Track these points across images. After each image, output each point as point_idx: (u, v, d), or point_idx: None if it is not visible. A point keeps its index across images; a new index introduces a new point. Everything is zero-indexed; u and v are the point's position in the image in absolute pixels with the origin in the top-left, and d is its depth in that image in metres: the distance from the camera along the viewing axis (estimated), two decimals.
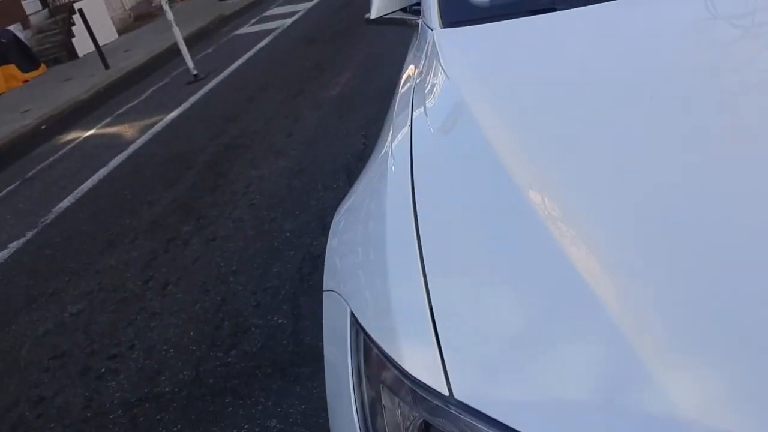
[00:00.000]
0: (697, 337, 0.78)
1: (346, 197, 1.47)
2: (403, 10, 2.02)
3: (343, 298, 1.13)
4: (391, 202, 1.21)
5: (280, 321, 3.06)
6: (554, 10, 1.56)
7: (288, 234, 3.85)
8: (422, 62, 1.68)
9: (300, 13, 11.78)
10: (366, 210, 1.31)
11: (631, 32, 1.43)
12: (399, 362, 0.92)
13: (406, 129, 1.40)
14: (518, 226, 1.01)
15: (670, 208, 0.95)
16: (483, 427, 0.82)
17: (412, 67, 1.78)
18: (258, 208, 4.35)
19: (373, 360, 1.00)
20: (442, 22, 1.71)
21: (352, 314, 1.08)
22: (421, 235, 1.06)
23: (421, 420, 0.91)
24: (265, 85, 7.58)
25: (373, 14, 1.99)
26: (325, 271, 1.31)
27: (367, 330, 1.02)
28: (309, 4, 12.34)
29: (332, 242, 1.36)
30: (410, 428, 0.92)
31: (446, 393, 0.86)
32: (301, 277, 3.37)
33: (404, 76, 1.82)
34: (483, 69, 1.47)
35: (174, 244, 4.26)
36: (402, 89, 1.73)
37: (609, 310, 0.84)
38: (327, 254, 1.34)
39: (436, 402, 0.87)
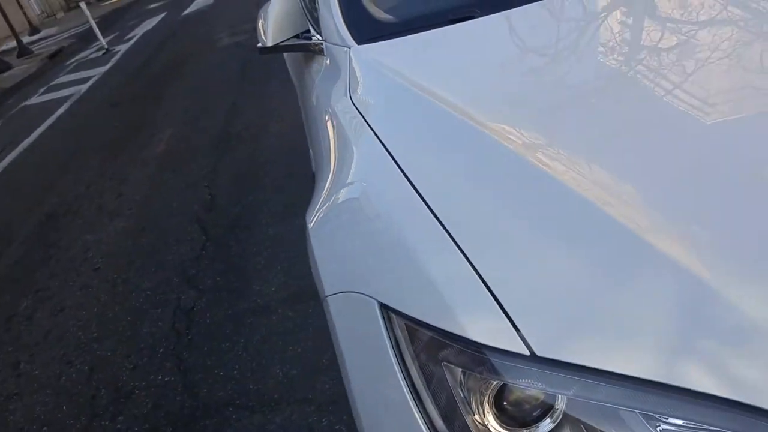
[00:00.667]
0: (750, 254, 0.88)
1: (312, 212, 1.45)
2: (296, 36, 2.04)
3: (365, 295, 1.12)
4: (390, 195, 1.21)
5: (166, 379, 2.88)
6: (472, 17, 1.66)
7: (149, 292, 3.64)
8: (341, 82, 1.69)
9: (95, 78, 11.28)
10: (354, 212, 1.30)
11: (550, 35, 1.56)
12: (468, 336, 0.93)
13: (361, 138, 1.41)
14: (530, 185, 1.07)
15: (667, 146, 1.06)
16: (572, 377, 0.86)
17: (327, 88, 1.79)
18: (105, 271, 4.08)
19: (424, 344, 1.00)
20: (357, 39, 1.75)
21: (383, 306, 1.06)
22: (438, 216, 1.08)
23: (499, 385, 0.92)
24: (76, 151, 7.15)
25: (269, 41, 1.98)
26: (321, 279, 1.28)
27: (415, 316, 1.01)
28: (102, 69, 11.86)
29: (320, 252, 1.33)
30: (488, 397, 0.94)
31: (527, 353, 0.88)
32: (178, 332, 3.20)
33: (319, 99, 1.82)
34: (416, 77, 1.51)
35: (15, 321, 3.88)
36: (324, 111, 1.72)
37: (658, 245, 0.91)
38: (318, 263, 1.31)
39: (519, 364, 0.89)
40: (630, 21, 1.60)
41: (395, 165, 1.26)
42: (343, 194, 1.36)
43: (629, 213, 0.97)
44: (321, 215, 1.41)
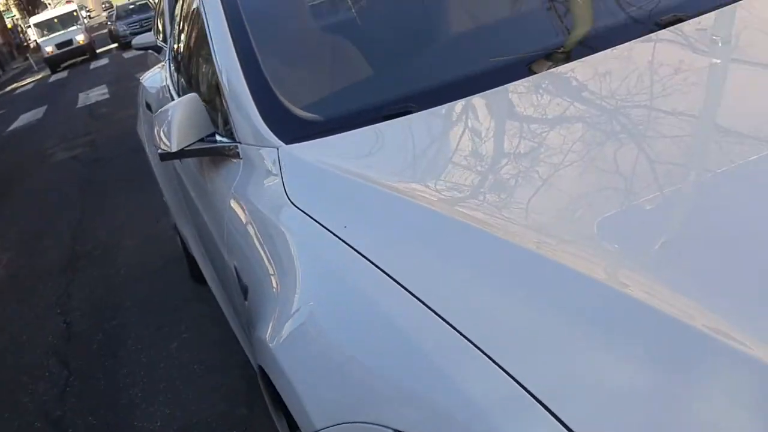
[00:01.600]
0: None
1: (273, 329, 1.25)
2: (201, 140, 1.85)
3: (377, 425, 0.93)
4: (385, 303, 1.05)
5: None
6: (409, 112, 1.56)
7: None
8: (272, 186, 1.53)
9: None
10: (340, 325, 1.14)
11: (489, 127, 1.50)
12: None
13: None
14: (541, 276, 1.00)
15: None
16: None
17: (252, 194, 1.61)
18: None
19: None
20: (284, 139, 1.60)
21: None
22: (452, 323, 0.94)
23: None
24: None
25: (174, 146, 1.78)
26: (305, 409, 1.07)
27: None
28: None
29: (300, 375, 1.12)
30: None
31: None
32: None
33: (243, 206, 1.64)
34: (373, 173, 1.40)
35: None
36: (254, 218, 1.55)
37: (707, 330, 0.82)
38: (299, 390, 1.10)
39: None
40: (561, 106, 1.57)
41: (376, 268, 1.13)
42: (319, 305, 1.20)
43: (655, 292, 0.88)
44: (290, 331, 1.21)
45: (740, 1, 1.72)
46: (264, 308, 1.36)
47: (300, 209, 1.40)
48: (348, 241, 1.22)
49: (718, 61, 1.60)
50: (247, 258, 1.55)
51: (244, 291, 1.53)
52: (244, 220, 1.61)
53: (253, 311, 1.44)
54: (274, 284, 1.37)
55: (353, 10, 2.02)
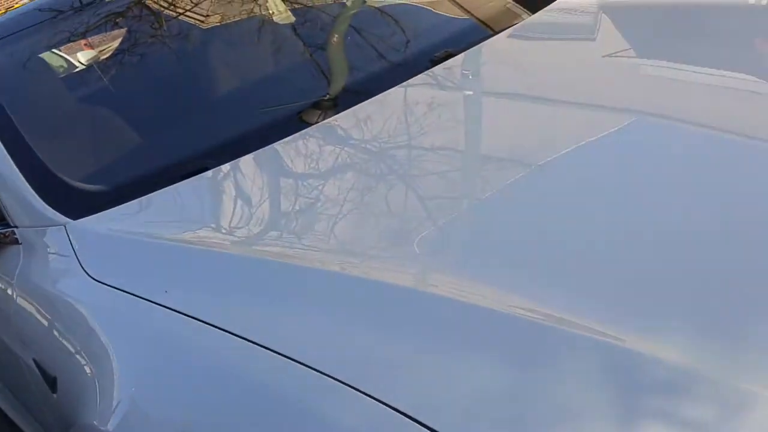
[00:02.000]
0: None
1: (102, 414, 1.15)
2: None
3: None
4: (253, 368, 1.03)
5: None
6: (206, 169, 1.55)
7: None
8: (67, 267, 1.43)
9: None
10: (165, 398, 1.10)
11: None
12: None
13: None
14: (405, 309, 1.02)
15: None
16: None
17: (43, 279, 1.49)
18: None
19: None
20: (71, 215, 1.50)
21: None
22: (302, 361, 0.95)
23: None
24: None
25: None
26: None
27: None
28: None
29: None
30: None
31: None
32: None
33: (33, 295, 1.51)
34: (185, 235, 1.38)
35: None
36: (49, 305, 1.44)
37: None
38: None
39: None
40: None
41: (207, 325, 1.10)
42: (148, 376, 1.15)
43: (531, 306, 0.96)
44: (125, 411, 1.13)
45: (488, 41, 1.91)
46: (84, 394, 1.26)
47: (104, 283, 1.33)
48: (170, 305, 1.18)
49: (476, 97, 1.78)
50: (50, 347, 1.43)
51: (52, 383, 1.40)
52: (36, 308, 1.49)
53: (68, 402, 1.33)
54: (88, 369, 1.29)
55: (122, 76, 1.98)
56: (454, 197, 1.33)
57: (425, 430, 0.82)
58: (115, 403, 1.16)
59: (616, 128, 1.36)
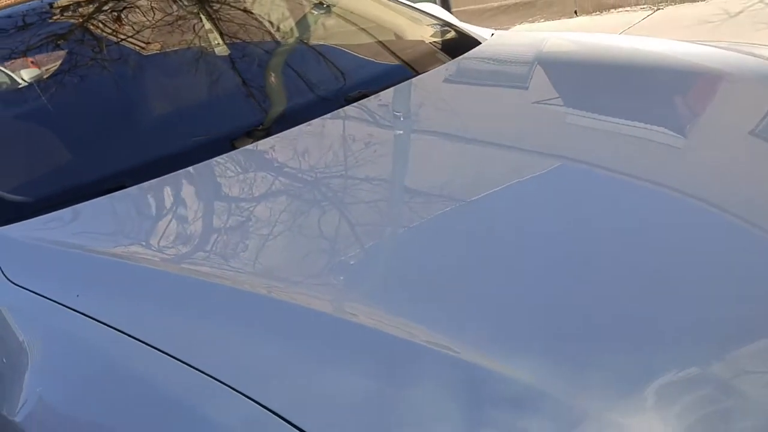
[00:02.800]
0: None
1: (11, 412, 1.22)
2: None
3: None
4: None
5: None
6: (126, 186, 1.65)
7: None
8: None
9: None
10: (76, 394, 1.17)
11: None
12: None
13: None
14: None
15: None
16: None
17: None
18: None
19: None
20: None
21: None
22: (194, 365, 1.06)
23: None
24: None
25: None
26: None
27: None
28: None
29: None
30: None
31: None
32: None
33: None
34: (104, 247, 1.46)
35: None
36: None
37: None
38: None
39: None
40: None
41: (110, 329, 1.20)
42: (59, 375, 1.23)
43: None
44: (32, 409, 1.21)
45: (413, 79, 2.06)
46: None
47: (23, 288, 1.40)
48: (82, 310, 1.26)
49: (399, 131, 1.91)
50: None
51: None
52: None
53: None
54: (3, 363, 1.36)
55: (54, 94, 2.06)
56: (370, 227, 1.44)
57: (294, 428, 0.92)
58: (24, 398, 1.24)
59: (533, 172, 1.50)
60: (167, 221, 1.60)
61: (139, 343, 1.14)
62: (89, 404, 1.17)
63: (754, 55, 1.97)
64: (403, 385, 0.99)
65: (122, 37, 2.29)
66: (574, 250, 1.21)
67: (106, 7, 2.36)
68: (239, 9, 2.56)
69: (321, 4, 2.63)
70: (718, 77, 1.87)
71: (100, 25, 2.32)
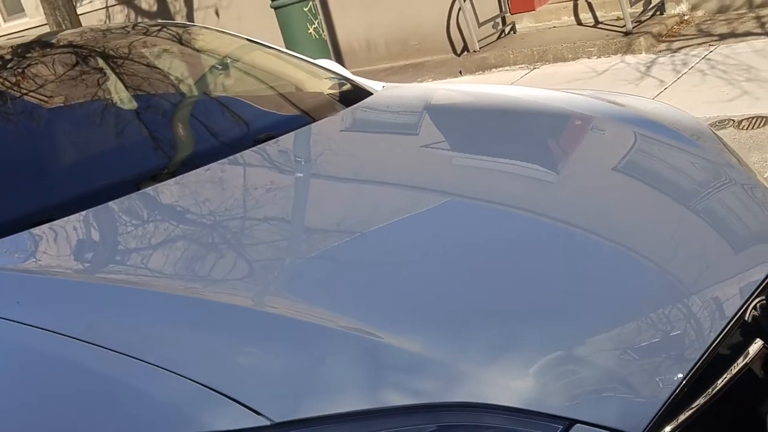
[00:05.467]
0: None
1: None
2: None
3: None
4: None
5: None
6: (51, 220, 1.77)
7: None
8: None
9: None
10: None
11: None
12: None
13: None
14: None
15: None
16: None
17: None
18: None
19: None
20: None
21: None
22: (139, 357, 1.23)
23: None
24: None
25: None
26: None
27: None
28: None
29: None
30: None
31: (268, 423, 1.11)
32: None
33: None
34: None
35: None
36: None
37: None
38: None
39: None
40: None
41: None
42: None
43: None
44: None
45: (310, 125, 2.22)
46: None
47: None
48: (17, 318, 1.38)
49: (298, 174, 2.06)
50: None
51: None
52: None
53: None
54: None
55: None
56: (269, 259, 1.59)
57: (236, 403, 1.11)
58: None
59: (421, 206, 1.71)
60: (85, 247, 1.78)
61: (74, 340, 1.28)
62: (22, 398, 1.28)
63: (613, 102, 2.26)
64: (313, 358, 1.19)
65: (34, 90, 2.37)
66: (454, 260, 1.46)
67: (18, 63, 2.44)
68: (152, 66, 2.69)
69: (226, 59, 2.77)
70: (585, 120, 2.12)
71: (14, 80, 2.40)
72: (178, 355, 1.22)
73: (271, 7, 5.69)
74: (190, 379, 1.14)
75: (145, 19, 7.78)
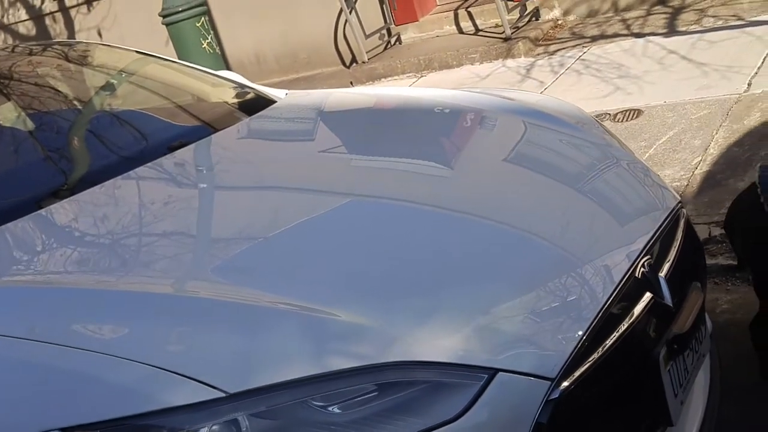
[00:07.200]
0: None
1: None
2: None
3: None
4: None
5: None
6: None
7: None
8: None
9: None
10: None
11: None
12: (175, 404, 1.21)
13: None
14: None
15: None
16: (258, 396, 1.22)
17: None
18: None
19: None
20: None
21: None
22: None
23: None
24: None
25: None
26: None
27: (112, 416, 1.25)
28: None
29: None
30: None
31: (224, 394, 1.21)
32: None
33: None
34: None
35: None
36: None
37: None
38: None
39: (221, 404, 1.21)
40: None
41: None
42: None
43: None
44: None
45: (211, 136, 2.25)
46: None
47: None
48: None
49: (201, 184, 2.10)
50: None
51: None
52: None
53: None
54: None
55: None
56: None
57: (192, 380, 1.19)
58: None
59: (333, 207, 1.80)
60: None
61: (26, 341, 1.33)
62: None
63: (503, 97, 2.42)
64: (259, 336, 1.29)
65: None
66: (366, 247, 1.58)
67: None
68: (43, 85, 2.65)
69: (122, 72, 2.76)
70: (477, 113, 2.27)
71: None
72: (122, 344, 1.28)
73: (163, 23, 5.63)
74: (143, 363, 1.21)
75: (26, 42, 7.51)
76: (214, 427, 1.17)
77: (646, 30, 5.63)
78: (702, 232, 2.83)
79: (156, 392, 1.19)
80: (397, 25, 7.15)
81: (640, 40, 5.44)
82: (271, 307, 1.34)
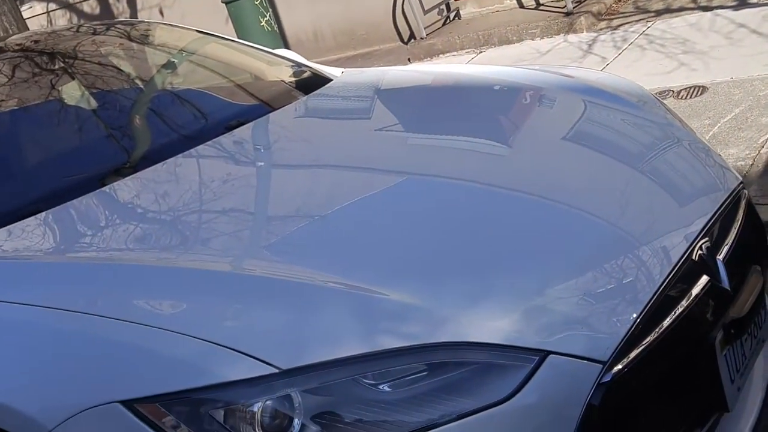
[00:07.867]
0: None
1: None
2: None
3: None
4: None
5: None
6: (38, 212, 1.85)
7: None
8: None
9: None
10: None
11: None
12: (229, 378, 1.26)
13: None
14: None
15: None
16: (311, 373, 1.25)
17: None
18: None
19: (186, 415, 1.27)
20: None
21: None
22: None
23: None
24: None
25: None
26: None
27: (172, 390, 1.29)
28: None
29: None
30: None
31: (277, 370, 1.23)
32: None
33: None
34: None
35: None
36: None
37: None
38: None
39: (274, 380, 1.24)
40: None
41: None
42: None
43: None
44: None
45: (269, 114, 2.28)
46: None
47: None
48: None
49: (260, 162, 2.12)
50: None
51: None
52: None
53: None
54: None
55: None
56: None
57: (249, 357, 1.23)
58: None
59: (389, 185, 1.81)
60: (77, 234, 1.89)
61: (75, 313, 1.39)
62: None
63: (561, 74, 2.37)
64: (312, 315, 1.31)
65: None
66: (422, 226, 1.58)
67: None
68: (108, 62, 2.72)
69: (182, 51, 2.81)
70: (536, 91, 2.24)
71: None
72: (181, 319, 1.32)
73: (222, 1, 5.71)
74: (200, 339, 1.25)
75: (90, 21, 7.69)
76: (268, 402, 1.20)
77: (715, 3, 5.44)
78: (766, 213, 2.75)
79: (212, 367, 1.23)
80: (456, 0, 7.09)
81: (708, 14, 5.27)
82: (324, 285, 1.36)
